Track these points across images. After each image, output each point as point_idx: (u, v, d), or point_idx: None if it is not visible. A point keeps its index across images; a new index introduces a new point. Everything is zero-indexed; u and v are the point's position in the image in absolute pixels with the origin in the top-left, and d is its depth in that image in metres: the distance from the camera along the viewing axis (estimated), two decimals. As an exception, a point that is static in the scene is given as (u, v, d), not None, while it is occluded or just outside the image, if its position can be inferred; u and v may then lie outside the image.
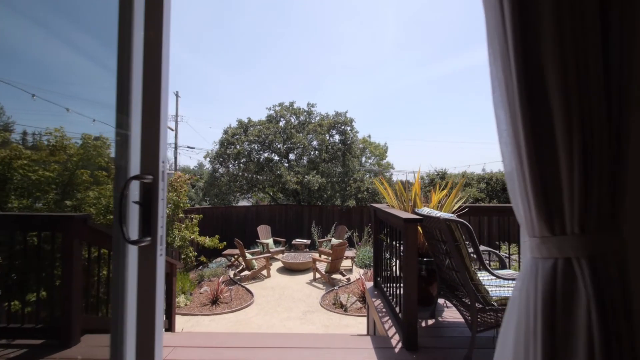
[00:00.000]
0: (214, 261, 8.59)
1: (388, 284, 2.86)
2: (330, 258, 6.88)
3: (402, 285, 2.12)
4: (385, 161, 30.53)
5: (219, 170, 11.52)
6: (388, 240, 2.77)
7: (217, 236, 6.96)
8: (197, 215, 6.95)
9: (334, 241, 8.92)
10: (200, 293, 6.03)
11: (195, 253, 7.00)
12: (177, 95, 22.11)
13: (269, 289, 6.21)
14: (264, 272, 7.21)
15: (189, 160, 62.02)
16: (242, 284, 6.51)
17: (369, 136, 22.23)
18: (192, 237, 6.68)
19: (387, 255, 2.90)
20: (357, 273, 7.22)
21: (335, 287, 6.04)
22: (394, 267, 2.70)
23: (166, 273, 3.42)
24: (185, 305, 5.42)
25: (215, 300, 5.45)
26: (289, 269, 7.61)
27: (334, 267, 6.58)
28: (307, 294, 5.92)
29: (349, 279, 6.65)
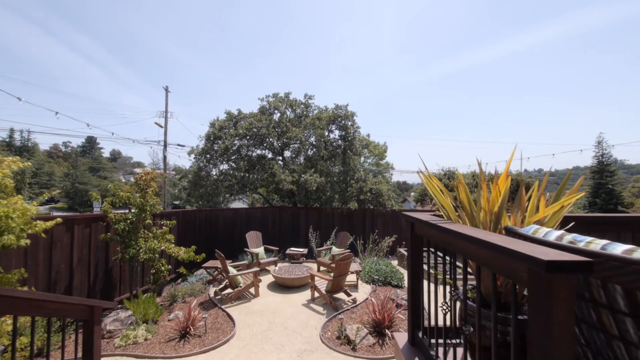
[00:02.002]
0: (194, 274, 7.31)
1: (439, 340, 1.69)
2: (332, 274, 5.67)
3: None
4: (384, 161, 29.43)
5: (206, 168, 10.23)
6: (448, 278, 1.57)
7: (193, 247, 5.71)
8: (168, 222, 5.69)
9: (335, 250, 7.69)
10: (169, 320, 4.77)
11: (170, 266, 5.75)
12: (166, 90, 20.80)
13: (256, 314, 4.97)
14: (252, 290, 5.97)
15: (187, 160, 60.45)
16: (223, 306, 5.26)
17: (368, 135, 21.16)
18: (162, 247, 5.43)
19: (442, 292, 1.72)
20: (364, 291, 6.01)
21: (339, 313, 4.82)
22: (453, 310, 1.53)
23: (83, 321, 2.17)
24: (146, 340, 4.16)
25: (185, 334, 4.20)
26: (282, 285, 6.37)
27: (336, 286, 5.36)
28: (304, 321, 4.70)
29: (354, 300, 5.44)
